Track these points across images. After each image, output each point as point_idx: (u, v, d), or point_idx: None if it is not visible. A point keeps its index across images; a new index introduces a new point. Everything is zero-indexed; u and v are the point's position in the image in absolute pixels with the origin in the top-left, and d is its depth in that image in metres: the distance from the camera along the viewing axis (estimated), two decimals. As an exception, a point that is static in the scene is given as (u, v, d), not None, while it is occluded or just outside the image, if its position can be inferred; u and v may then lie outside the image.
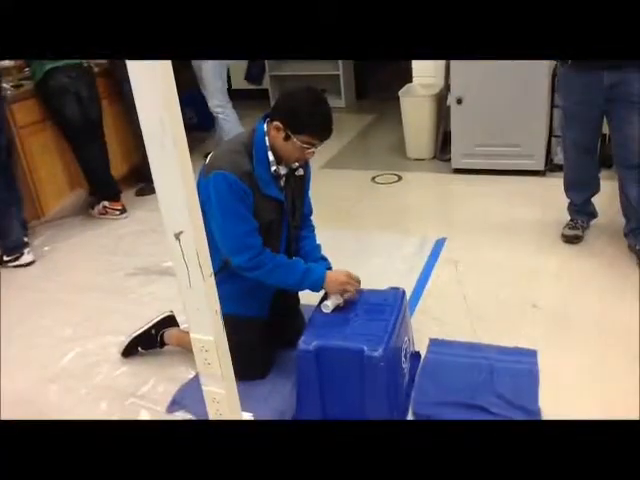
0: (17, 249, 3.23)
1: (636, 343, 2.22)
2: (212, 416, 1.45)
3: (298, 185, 2.13)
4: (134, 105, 1.10)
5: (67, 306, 2.84)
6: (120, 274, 3.09)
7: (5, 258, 3.23)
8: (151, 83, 1.08)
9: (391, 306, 2.02)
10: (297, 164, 2.04)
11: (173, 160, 1.13)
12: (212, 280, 1.29)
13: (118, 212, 3.78)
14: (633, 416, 1.89)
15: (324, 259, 2.24)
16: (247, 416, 1.56)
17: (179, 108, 1.12)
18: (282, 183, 2.05)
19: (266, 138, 1.96)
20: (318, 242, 2.28)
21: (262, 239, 1.98)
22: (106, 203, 3.77)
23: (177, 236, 1.22)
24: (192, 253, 1.23)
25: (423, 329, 2.40)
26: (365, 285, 2.16)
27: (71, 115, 3.48)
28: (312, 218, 2.32)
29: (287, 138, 1.90)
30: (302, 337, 1.89)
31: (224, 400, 1.41)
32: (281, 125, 1.89)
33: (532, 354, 2.21)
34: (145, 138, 1.13)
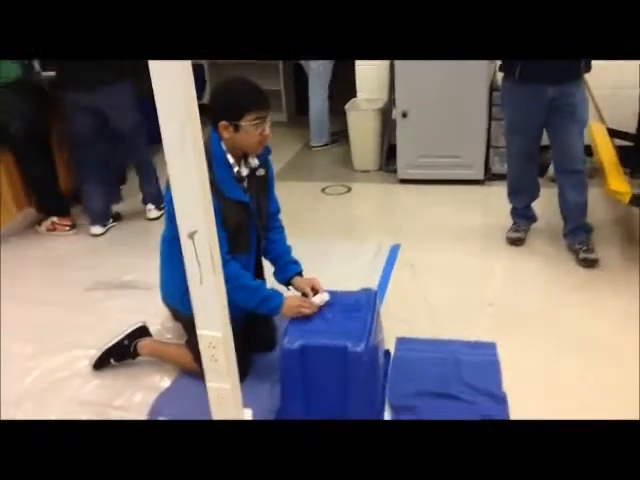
0: None
1: (580, 333, 2.43)
2: (215, 412, 1.49)
3: (261, 185, 2.19)
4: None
5: (26, 322, 2.76)
6: (78, 289, 3.03)
7: None
8: (173, 86, 1.14)
9: (365, 305, 2.12)
10: (257, 163, 2.11)
11: (192, 162, 1.19)
12: (221, 277, 1.35)
13: (67, 228, 3.70)
14: (581, 396, 2.08)
15: (295, 262, 2.31)
16: (247, 412, 1.61)
17: (198, 112, 1.18)
18: (245, 185, 2.12)
19: (222, 143, 2.03)
20: (288, 244, 2.35)
21: (229, 247, 2.02)
22: (55, 219, 3.69)
23: (191, 235, 1.27)
24: (205, 251, 1.28)
25: (388, 329, 2.49)
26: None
27: (16, 131, 3.39)
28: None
29: (237, 129, 1.98)
30: (285, 337, 1.96)
31: (229, 395, 1.46)
32: (225, 122, 1.97)
33: (492, 346, 2.37)
34: (165, 140, 1.18)
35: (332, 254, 3.24)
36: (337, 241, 3.40)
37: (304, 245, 3.25)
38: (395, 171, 4.18)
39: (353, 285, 2.70)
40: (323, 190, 4.18)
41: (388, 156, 4.41)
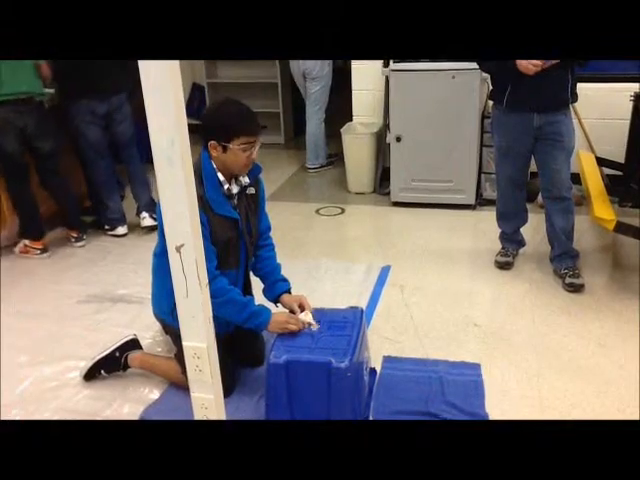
0: None
1: (564, 356, 2.48)
2: (198, 422, 1.53)
3: (251, 203, 2.25)
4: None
5: (19, 333, 2.79)
6: (71, 302, 3.07)
7: None
8: (163, 103, 1.19)
9: (352, 323, 2.17)
10: (248, 181, 2.18)
11: (180, 177, 1.25)
12: (207, 289, 1.39)
13: (39, 252, 3.64)
14: (565, 415, 2.11)
15: (284, 280, 2.36)
16: (230, 423, 1.64)
17: (187, 128, 1.24)
18: (235, 202, 2.18)
19: (212, 162, 2.10)
20: (278, 262, 2.40)
21: (218, 262, 2.08)
22: (26, 242, 3.65)
23: (178, 249, 1.32)
24: (191, 264, 1.33)
25: (376, 348, 2.55)
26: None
27: (11, 150, 3.38)
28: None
29: (225, 149, 2.05)
30: (272, 352, 2.00)
31: (212, 406, 1.49)
32: (214, 142, 2.05)
33: (476, 367, 2.42)
34: (154, 155, 1.24)
35: (323, 273, 3.29)
36: (329, 261, 3.45)
37: (296, 264, 3.33)
38: (388, 194, 4.26)
39: (342, 304, 2.76)
40: (317, 211, 4.25)
41: (382, 179, 4.49)
